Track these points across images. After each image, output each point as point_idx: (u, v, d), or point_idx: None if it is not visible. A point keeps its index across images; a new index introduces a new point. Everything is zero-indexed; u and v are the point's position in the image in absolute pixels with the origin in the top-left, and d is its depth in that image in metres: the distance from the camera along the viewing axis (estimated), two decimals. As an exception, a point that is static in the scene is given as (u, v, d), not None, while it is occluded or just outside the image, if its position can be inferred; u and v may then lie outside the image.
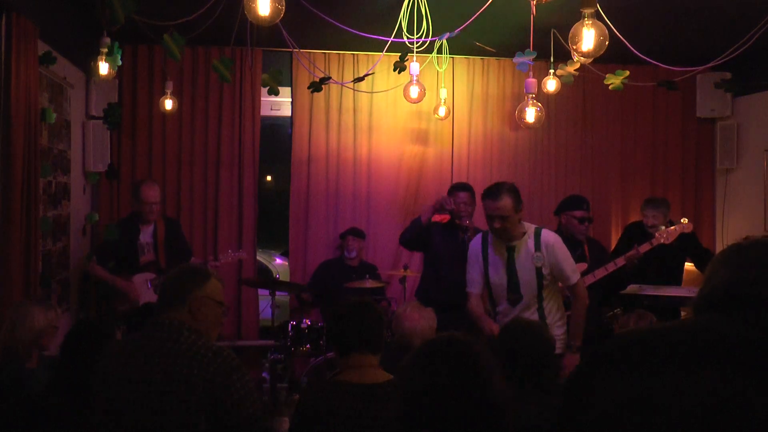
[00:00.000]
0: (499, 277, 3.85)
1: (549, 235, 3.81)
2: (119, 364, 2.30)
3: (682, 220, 4.92)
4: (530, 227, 3.83)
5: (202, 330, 2.34)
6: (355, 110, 6.29)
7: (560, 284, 3.91)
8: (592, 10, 3.15)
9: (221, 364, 2.20)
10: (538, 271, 3.77)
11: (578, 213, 4.71)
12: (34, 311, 3.20)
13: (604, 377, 1.13)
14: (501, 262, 3.84)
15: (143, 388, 2.20)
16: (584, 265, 4.58)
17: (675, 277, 5.35)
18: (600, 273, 4.56)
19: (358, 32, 4.55)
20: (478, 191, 6.24)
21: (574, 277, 3.83)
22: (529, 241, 3.77)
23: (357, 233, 5.90)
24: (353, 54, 6.25)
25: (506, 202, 3.67)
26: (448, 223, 5.06)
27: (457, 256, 4.82)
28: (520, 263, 3.78)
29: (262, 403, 2.33)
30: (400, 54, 4.75)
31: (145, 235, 5.19)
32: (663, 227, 4.88)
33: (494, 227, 3.77)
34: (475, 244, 4.01)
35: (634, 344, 1.16)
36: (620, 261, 4.64)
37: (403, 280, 5.71)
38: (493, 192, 3.73)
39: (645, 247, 4.71)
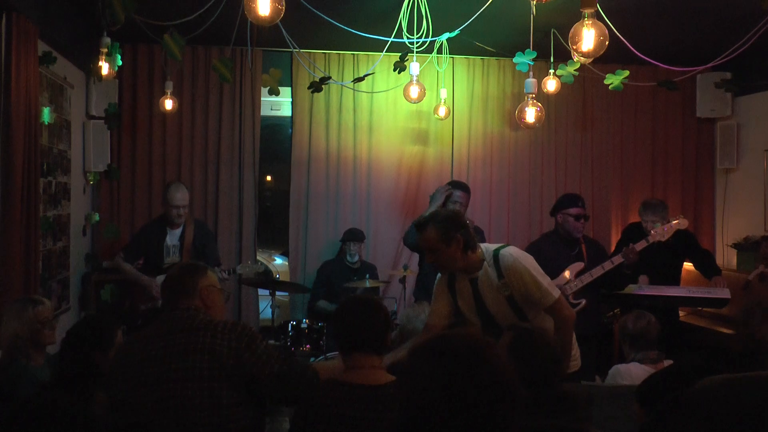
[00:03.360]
0: (471, 313, 3.36)
1: (507, 257, 3.23)
2: (139, 347, 2.43)
3: (678, 217, 4.91)
4: (489, 252, 3.28)
5: (215, 315, 2.55)
6: (355, 110, 6.29)
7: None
8: (592, 10, 3.15)
9: (241, 332, 2.39)
10: (510, 300, 3.25)
11: (574, 210, 4.71)
12: (10, 313, 3.17)
13: (678, 425, 1.11)
14: (469, 297, 3.34)
15: (166, 362, 2.34)
16: (581, 265, 4.58)
17: (674, 277, 5.35)
18: (597, 272, 4.56)
19: (358, 32, 4.55)
20: (479, 191, 6.30)
21: (548, 298, 3.20)
22: (490, 270, 3.25)
23: (357, 237, 5.84)
24: (353, 54, 6.25)
25: (431, 233, 3.17)
26: None
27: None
28: (487, 296, 3.28)
29: (289, 363, 2.47)
30: (400, 54, 4.76)
31: (173, 238, 5.18)
32: (659, 224, 4.88)
33: (428, 261, 3.35)
34: (439, 277, 3.48)
35: (707, 393, 1.13)
36: (617, 259, 4.64)
37: (403, 280, 5.71)
38: (420, 223, 3.25)
39: (641, 245, 4.70)
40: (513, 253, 3.26)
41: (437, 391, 1.51)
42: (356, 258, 5.78)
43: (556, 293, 3.24)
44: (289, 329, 5.13)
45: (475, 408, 1.50)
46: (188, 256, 5.15)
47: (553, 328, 3.24)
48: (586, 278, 4.52)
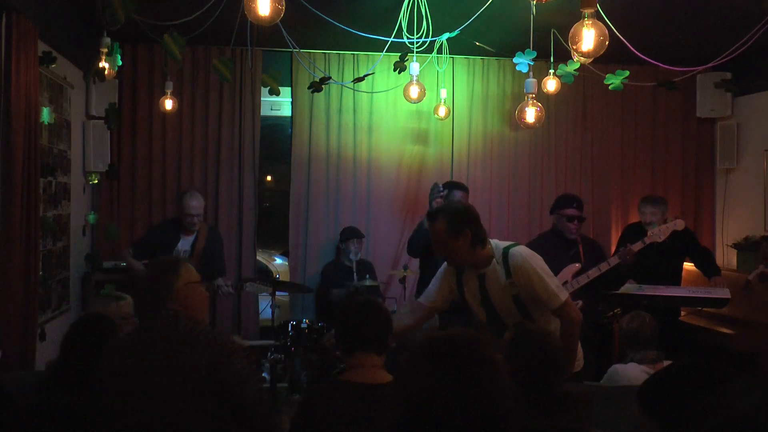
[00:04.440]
0: (477, 307, 3.36)
1: (516, 256, 3.20)
2: (121, 357, 2.36)
3: (674, 218, 4.92)
4: (498, 249, 3.24)
5: (197, 315, 2.43)
6: (355, 110, 6.29)
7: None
8: (592, 10, 3.15)
9: (221, 347, 2.29)
10: (516, 299, 3.23)
11: (568, 211, 4.71)
12: (96, 305, 3.19)
13: None
14: (476, 292, 3.32)
15: (148, 377, 2.27)
16: (578, 266, 4.58)
17: (675, 277, 5.36)
18: (593, 273, 4.55)
19: (358, 32, 4.55)
20: (479, 191, 6.29)
21: (555, 300, 3.18)
22: (498, 268, 3.22)
23: (357, 234, 5.86)
24: (353, 54, 6.25)
25: (440, 225, 3.16)
26: None
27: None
28: (494, 293, 3.26)
29: (258, 388, 2.37)
30: (400, 54, 4.75)
31: (185, 243, 5.18)
32: (656, 224, 4.89)
33: (436, 253, 3.31)
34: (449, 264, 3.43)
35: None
36: (613, 260, 4.64)
37: (403, 280, 5.71)
38: (431, 214, 3.27)
39: (638, 246, 4.71)
40: (523, 252, 3.23)
41: (434, 391, 1.51)
42: (359, 256, 5.78)
43: (564, 295, 3.22)
44: (289, 329, 5.13)
45: (471, 409, 1.49)
46: (198, 262, 5.14)
47: (558, 329, 3.21)
48: (583, 279, 4.52)
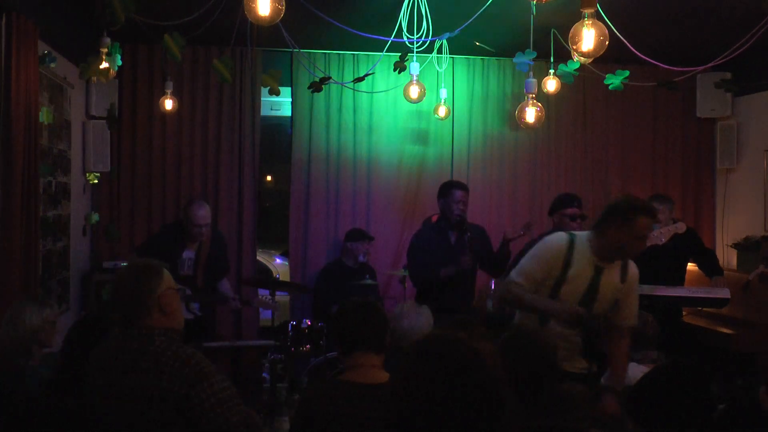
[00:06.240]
0: (573, 298, 3.25)
1: (634, 266, 3.33)
2: (99, 377, 2.32)
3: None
4: None
5: (174, 321, 2.34)
6: (355, 110, 6.29)
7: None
8: (592, 10, 3.15)
9: (188, 374, 2.19)
10: (615, 304, 3.30)
11: (569, 210, 4.70)
12: (27, 309, 3.20)
13: None
14: (583, 284, 3.26)
15: (120, 404, 2.24)
16: None
17: (677, 277, 5.35)
18: None
19: (358, 32, 4.55)
20: (479, 191, 6.29)
21: (634, 319, 3.36)
22: (617, 269, 3.27)
23: (369, 237, 5.86)
24: (353, 54, 6.25)
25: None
26: (443, 223, 5.03)
27: (453, 258, 4.81)
28: (603, 291, 3.25)
29: (241, 411, 2.26)
30: (400, 54, 4.76)
31: (189, 251, 5.07)
32: (658, 226, 4.88)
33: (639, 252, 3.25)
34: (558, 241, 3.33)
35: None
36: None
37: (403, 280, 5.70)
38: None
39: None
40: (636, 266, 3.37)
41: (432, 391, 1.51)
42: (366, 258, 5.78)
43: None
44: (289, 329, 5.13)
45: (460, 412, 1.49)
46: (203, 270, 5.08)
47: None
48: None
